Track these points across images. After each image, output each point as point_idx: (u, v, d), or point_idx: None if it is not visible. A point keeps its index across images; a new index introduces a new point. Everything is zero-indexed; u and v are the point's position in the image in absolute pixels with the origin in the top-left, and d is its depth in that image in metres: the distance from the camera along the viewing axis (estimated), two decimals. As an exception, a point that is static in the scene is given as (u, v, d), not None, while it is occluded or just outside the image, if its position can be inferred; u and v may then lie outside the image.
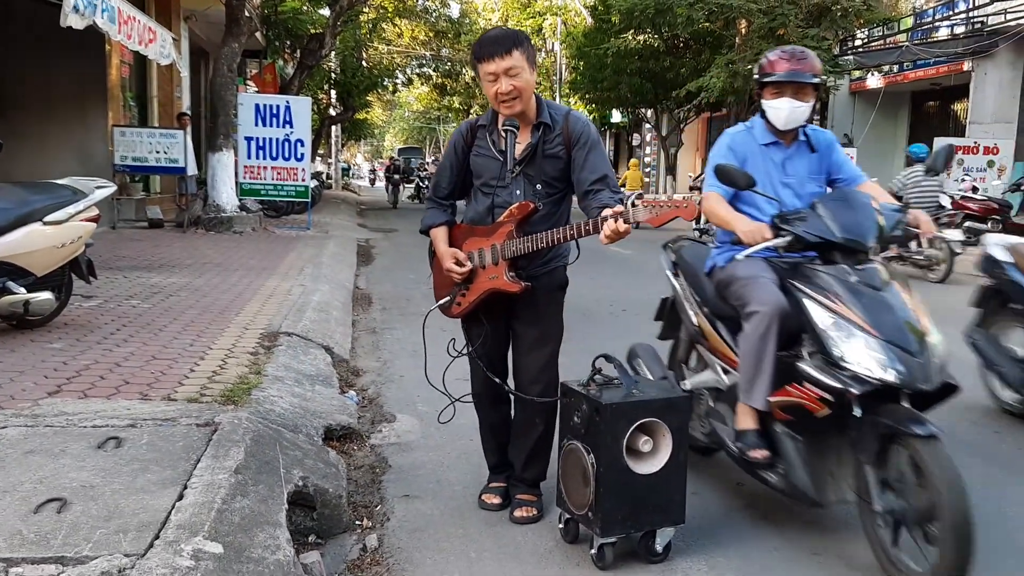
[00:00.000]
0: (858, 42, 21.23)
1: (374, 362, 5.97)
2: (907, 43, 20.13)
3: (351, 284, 9.42)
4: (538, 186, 3.17)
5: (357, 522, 3.36)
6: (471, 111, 50.74)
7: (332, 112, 34.92)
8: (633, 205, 2.69)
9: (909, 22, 20.81)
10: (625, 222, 2.71)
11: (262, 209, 15.40)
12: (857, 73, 21.76)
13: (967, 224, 14.16)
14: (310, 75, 23.29)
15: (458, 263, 3.21)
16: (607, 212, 2.74)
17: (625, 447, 2.85)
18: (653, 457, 2.91)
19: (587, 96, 29.72)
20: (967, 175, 17.09)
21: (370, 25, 29.84)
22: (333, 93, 34.02)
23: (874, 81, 21.89)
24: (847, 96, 23.26)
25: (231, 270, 8.84)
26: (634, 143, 36.60)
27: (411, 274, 10.76)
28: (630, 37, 23.36)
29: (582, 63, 28.85)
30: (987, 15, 18.48)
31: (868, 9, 19.34)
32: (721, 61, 20.49)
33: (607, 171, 3.12)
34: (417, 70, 43.56)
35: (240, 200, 14.05)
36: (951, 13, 19.44)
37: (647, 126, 35.72)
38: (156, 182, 15.73)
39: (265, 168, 14.11)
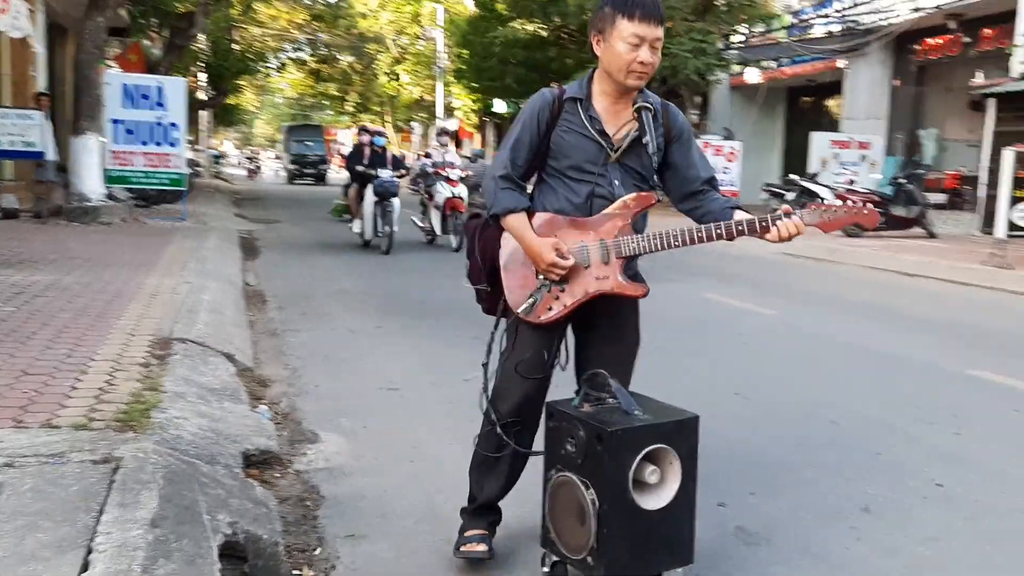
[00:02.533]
0: (739, 38, 21.65)
1: (281, 370, 5.35)
2: (786, 40, 20.66)
3: (240, 280, 8.66)
4: (634, 179, 2.68)
5: (295, 572, 2.82)
6: (347, 98, 49.46)
7: (202, 96, 33.13)
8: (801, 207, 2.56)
9: (787, 20, 21.36)
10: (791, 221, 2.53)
11: (132, 198, 14.22)
12: (736, 68, 22.19)
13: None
14: (179, 56, 21.88)
15: (561, 256, 2.61)
16: (782, 209, 2.56)
17: (632, 479, 2.43)
18: (661, 489, 2.51)
19: (472, 85, 29.33)
20: (844, 168, 17.65)
21: (243, 6, 28.35)
22: (203, 76, 32.27)
23: (752, 76, 22.38)
24: (727, 90, 23.72)
25: (104, 266, 7.92)
26: (450, 136, 36.46)
27: (305, 268, 10.07)
28: (518, 26, 23.07)
29: (466, 51, 28.40)
30: (860, 15, 19.14)
31: (751, 5, 19.71)
32: (607, 52, 20.50)
33: (713, 171, 2.79)
34: (292, 55, 41.98)
35: (107, 188, 12.89)
36: (826, 12, 20.05)
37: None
38: (9, 168, 14.25)
39: (135, 154, 12.98)
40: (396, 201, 11.90)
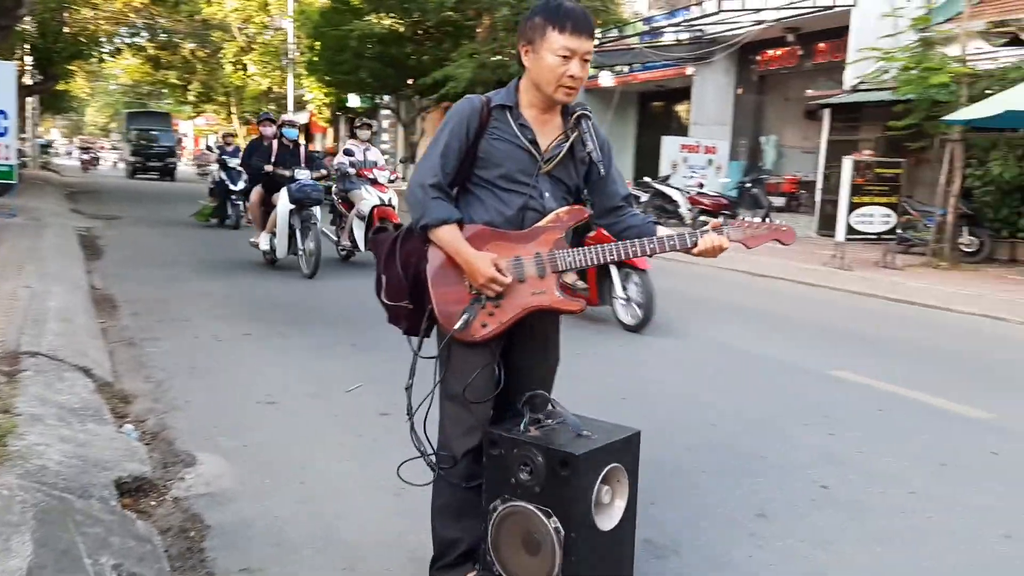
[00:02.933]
0: (595, 42, 22.12)
1: (144, 384, 4.97)
2: (638, 46, 21.28)
3: (86, 283, 8.02)
4: (563, 192, 2.60)
5: (189, 614, 2.59)
6: (189, 87, 47.14)
7: (28, 81, 30.70)
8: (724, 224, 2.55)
9: (640, 26, 22.01)
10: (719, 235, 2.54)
11: (-49, 192, 12.95)
12: (591, 72, 22.66)
13: (700, 219, 15.18)
14: (4, 38, 20.15)
15: (499, 271, 2.49)
16: (710, 225, 2.54)
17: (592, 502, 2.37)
18: (611, 508, 2.46)
19: (325, 79, 28.59)
20: (693, 172, 18.36)
21: (75, -15, 26.46)
22: (29, 59, 29.92)
23: (606, 80, 22.94)
24: (582, 93, 24.16)
25: (-74, 269, 7.16)
26: (372, 128, 35.84)
27: (156, 269, 9.46)
28: (374, 20, 22.67)
29: (319, 43, 27.61)
30: (706, 25, 19.97)
31: (605, 11, 20.15)
32: (465, 51, 20.47)
33: (628, 189, 2.78)
34: (128, 40, 39.62)
35: (-77, 181, 11.68)
36: (677, 20, 20.80)
37: (385, 112, 35.15)
38: None
39: (-44, 143, 11.79)
40: (318, 210, 9.76)
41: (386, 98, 30.28)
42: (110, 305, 7.24)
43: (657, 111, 24.74)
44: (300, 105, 39.09)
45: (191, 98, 46.15)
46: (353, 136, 11.41)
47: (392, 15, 22.96)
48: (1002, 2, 14.05)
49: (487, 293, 2.48)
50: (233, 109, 45.73)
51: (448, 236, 2.48)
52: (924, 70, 11.59)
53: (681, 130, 21.75)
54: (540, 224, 2.52)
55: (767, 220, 2.47)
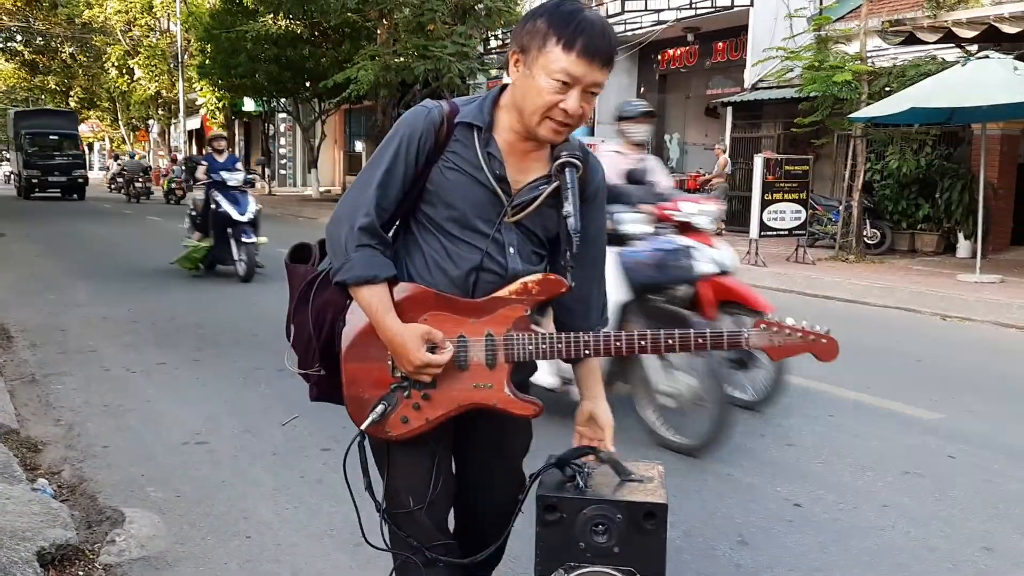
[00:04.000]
0: (496, 42, 21.98)
1: (54, 427, 4.51)
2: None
3: (-28, 312, 7.37)
4: (533, 247, 2.00)
5: None
6: (70, 93, 44.89)
7: None
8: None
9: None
10: (735, 344, 1.97)
11: None
12: (494, 72, 22.54)
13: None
14: None
15: (431, 350, 1.88)
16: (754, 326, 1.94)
17: None
18: None
19: (219, 82, 27.62)
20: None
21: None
22: None
23: (509, 80, 22.83)
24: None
25: None
26: (268, 133, 34.83)
27: (51, 293, 8.79)
28: (270, 21, 21.98)
29: (210, 46, 26.64)
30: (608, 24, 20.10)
31: (508, 11, 20.05)
32: (365, 53, 20.06)
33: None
34: (1, 44, 37.50)
35: None
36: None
37: (281, 116, 34.25)
38: None
39: None
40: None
41: (283, 101, 29.51)
42: (3, 336, 6.64)
43: (562, 110, 24.79)
44: (192, 110, 37.72)
45: (73, 104, 43.95)
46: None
47: (290, 16, 22.31)
48: (895, 1, 14.57)
49: (420, 377, 1.89)
50: (119, 115, 43.80)
51: (372, 300, 1.86)
52: (829, 68, 11.87)
53: (588, 128, 21.86)
54: (499, 294, 1.91)
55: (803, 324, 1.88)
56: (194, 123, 40.73)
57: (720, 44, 18.78)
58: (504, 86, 1.94)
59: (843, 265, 11.75)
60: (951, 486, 3.92)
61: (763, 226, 11.66)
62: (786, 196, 11.81)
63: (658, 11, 18.08)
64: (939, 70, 11.22)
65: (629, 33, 19.52)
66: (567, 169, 1.89)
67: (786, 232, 11.93)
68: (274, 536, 3.31)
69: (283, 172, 37.69)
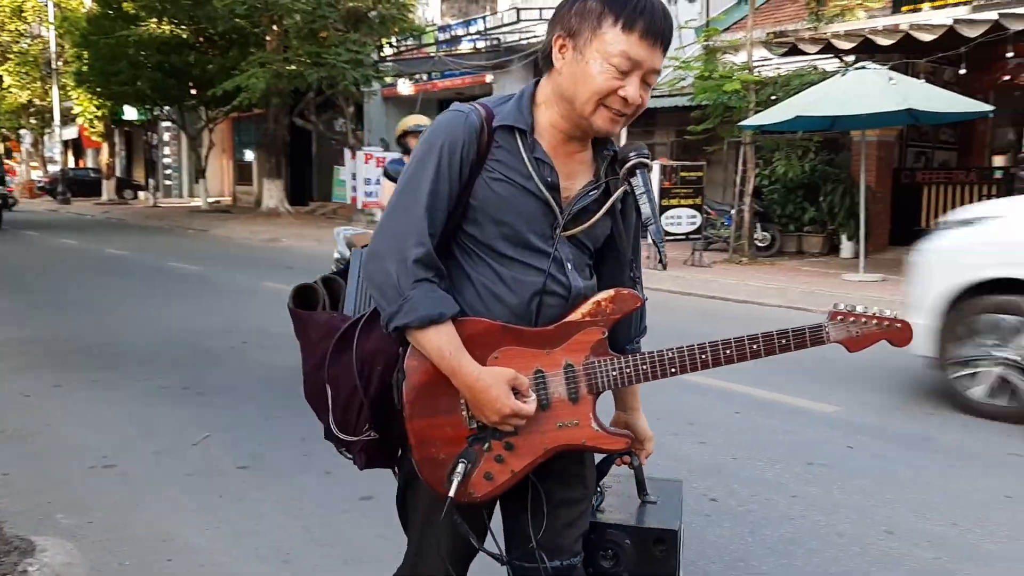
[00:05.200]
0: (391, 50, 21.91)
1: (-56, 456, 4.26)
2: (437, 54, 21.29)
3: None
4: (586, 259, 1.80)
5: None
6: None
7: None
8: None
9: (436, 34, 22.04)
10: (817, 341, 1.77)
11: None
12: (388, 79, 22.45)
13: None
14: None
15: (517, 396, 1.65)
16: (827, 320, 1.75)
17: None
18: None
19: (98, 90, 26.50)
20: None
21: None
22: None
23: (404, 88, 22.82)
24: (380, 101, 23.90)
25: None
26: (152, 142, 33.61)
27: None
28: (153, 26, 21.25)
29: (87, 53, 25.54)
30: (502, 34, 20.31)
31: (402, 18, 20.02)
32: (254, 60, 19.66)
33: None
34: None
35: None
36: (476, 29, 20.99)
37: (165, 124, 33.16)
38: None
39: None
40: None
41: (167, 109, 28.57)
42: None
43: (457, 119, 24.86)
44: (68, 119, 36.06)
45: (-65, 112, 41.33)
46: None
47: (174, 22, 21.63)
48: (778, 13, 15.26)
49: (503, 429, 1.66)
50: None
51: (442, 342, 1.60)
52: (719, 78, 12.33)
53: (483, 137, 21.99)
54: (571, 318, 1.69)
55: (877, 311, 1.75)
56: (71, 133, 38.93)
57: (612, 53, 19.23)
58: (537, 81, 1.74)
59: (737, 267, 12.20)
60: (852, 475, 4.14)
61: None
62: (682, 201, 12.21)
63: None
64: (820, 80, 11.81)
65: (524, 42, 19.78)
66: (639, 171, 1.69)
67: (683, 236, 12.33)
68: (197, 558, 3.22)
69: (168, 183, 36.43)
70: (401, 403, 1.67)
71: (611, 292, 1.71)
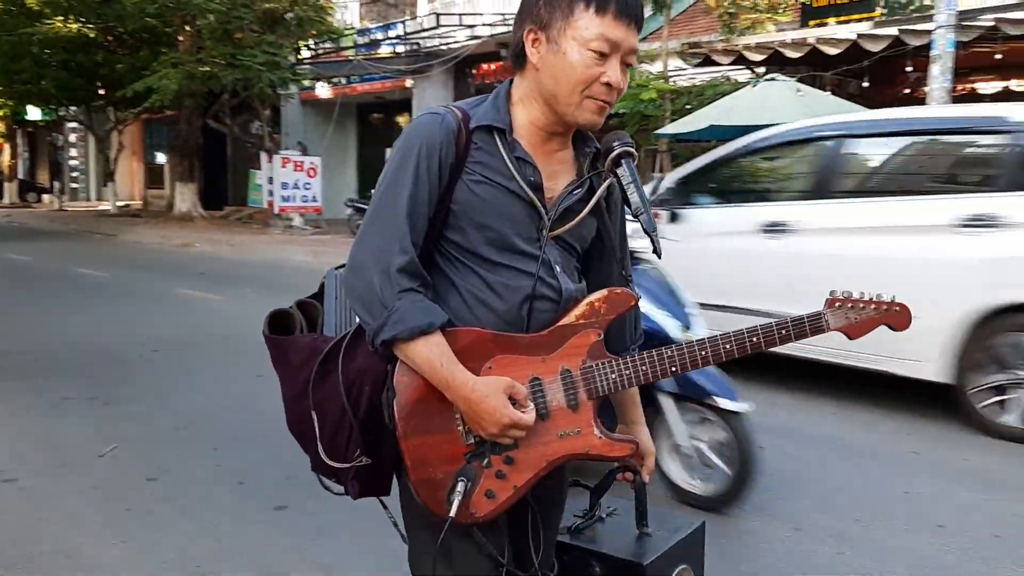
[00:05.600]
0: (309, 53, 21.62)
1: None
2: (356, 58, 21.11)
3: None
4: (574, 261, 1.73)
5: None
6: None
7: None
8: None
9: (355, 38, 21.85)
10: (817, 330, 1.66)
11: None
12: (306, 82, 22.17)
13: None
14: None
15: (515, 406, 1.55)
16: (828, 309, 1.65)
17: None
18: None
19: (-1, 89, 25.41)
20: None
21: None
22: None
23: (323, 91, 22.57)
24: (298, 105, 23.58)
25: None
26: (57, 143, 32.39)
27: None
28: (59, 24, 20.47)
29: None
30: (423, 39, 20.28)
31: (319, 21, 19.76)
32: (166, 61, 19.13)
33: None
34: None
35: None
36: (395, 34, 20.90)
37: (72, 125, 32.00)
38: None
39: None
40: None
41: (73, 110, 27.56)
42: None
43: (378, 123, 24.70)
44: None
45: None
46: None
47: (81, 20, 20.88)
48: (692, 25, 15.63)
49: (503, 442, 1.56)
50: None
51: (433, 354, 1.52)
52: (636, 87, 12.56)
53: (403, 142, 21.90)
54: (565, 321, 1.62)
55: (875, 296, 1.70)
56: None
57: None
58: (509, 83, 1.66)
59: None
60: (761, 473, 4.26)
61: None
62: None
63: (471, 26, 18.44)
64: (733, 90, 12.14)
65: (444, 47, 19.78)
66: (624, 160, 1.61)
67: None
68: (104, 573, 3.12)
69: (75, 186, 35.12)
70: (393, 422, 1.56)
71: (604, 292, 1.64)
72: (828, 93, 11.61)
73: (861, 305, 1.65)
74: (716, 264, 5.83)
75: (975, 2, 11.21)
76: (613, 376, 1.61)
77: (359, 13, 23.71)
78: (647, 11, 15.03)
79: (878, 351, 5.08)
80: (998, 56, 12.11)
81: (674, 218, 5.98)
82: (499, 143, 1.60)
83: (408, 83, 21.00)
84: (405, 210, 1.55)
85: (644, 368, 1.62)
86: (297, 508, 3.67)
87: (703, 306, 4.67)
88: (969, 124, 5.51)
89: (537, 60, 1.57)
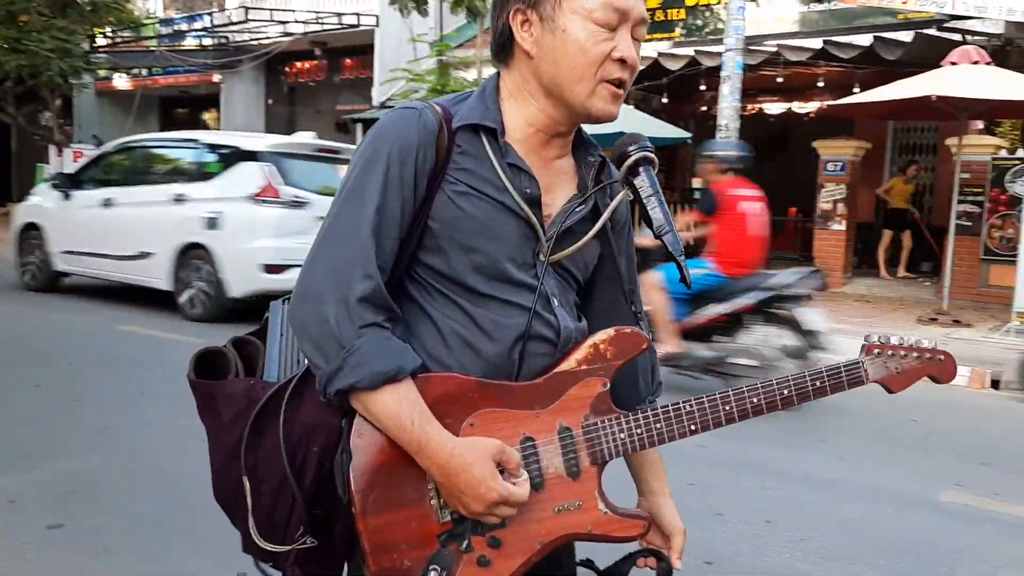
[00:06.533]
0: (105, 41, 20.28)
1: None
2: (158, 49, 20.02)
3: None
4: (573, 293, 1.44)
5: None
6: None
7: None
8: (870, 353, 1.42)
9: (157, 28, 20.72)
10: (856, 382, 1.40)
11: None
12: (103, 73, 20.80)
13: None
14: None
15: (505, 476, 1.25)
16: (865, 356, 1.40)
17: None
18: None
19: None
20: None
21: None
22: None
23: (121, 82, 21.25)
24: (93, 96, 22.07)
25: None
26: None
27: None
28: None
29: None
30: (231, 32, 19.53)
31: (117, 8, 18.56)
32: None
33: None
34: None
35: None
36: (201, 26, 19.99)
37: None
38: None
39: None
40: None
41: None
42: None
43: (182, 118, 23.53)
44: None
45: None
46: None
47: None
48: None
49: (489, 521, 1.25)
50: None
51: (402, 408, 1.21)
52: (450, 92, 12.69)
53: (210, 139, 21.02)
54: (563, 367, 1.33)
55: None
56: None
57: (348, 60, 19.13)
58: (496, 76, 1.40)
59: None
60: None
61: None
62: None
63: (284, 23, 17.95)
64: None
65: (254, 42, 19.14)
66: (643, 168, 1.32)
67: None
68: None
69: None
70: (348, 495, 1.24)
71: (610, 332, 1.35)
72: (632, 107, 12.20)
73: (903, 353, 1.42)
74: (86, 225, 9.18)
75: (762, 29, 12.15)
76: (622, 436, 1.32)
77: (163, 2, 22.50)
78: (461, 19, 15.27)
79: (141, 273, 8.70)
80: (780, 80, 13.21)
81: (66, 196, 9.44)
82: (488, 147, 1.32)
83: (215, 78, 20.15)
84: (371, 226, 1.25)
85: (659, 426, 1.34)
86: (72, 527, 3.43)
87: (79, 254, 9.23)
88: (178, 142, 9.53)
89: (530, 45, 1.31)
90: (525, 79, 1.34)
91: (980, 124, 11.32)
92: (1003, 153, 11.04)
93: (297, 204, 8.02)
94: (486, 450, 1.22)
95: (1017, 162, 10.66)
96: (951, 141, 10.54)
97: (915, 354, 1.41)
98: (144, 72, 21.02)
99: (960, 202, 10.17)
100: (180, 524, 3.44)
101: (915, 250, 12.71)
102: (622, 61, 1.28)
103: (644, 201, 1.31)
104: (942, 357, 1.43)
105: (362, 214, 1.25)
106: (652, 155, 1.32)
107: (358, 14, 17.20)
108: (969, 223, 10.81)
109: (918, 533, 3.90)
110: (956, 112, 9.49)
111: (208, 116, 22.44)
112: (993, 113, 10.32)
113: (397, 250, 1.28)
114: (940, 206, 11.41)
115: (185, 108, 23.30)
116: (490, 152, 1.31)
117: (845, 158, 12.07)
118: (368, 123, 17.27)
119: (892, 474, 4.61)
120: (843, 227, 12.13)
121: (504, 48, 1.35)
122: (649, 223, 1.30)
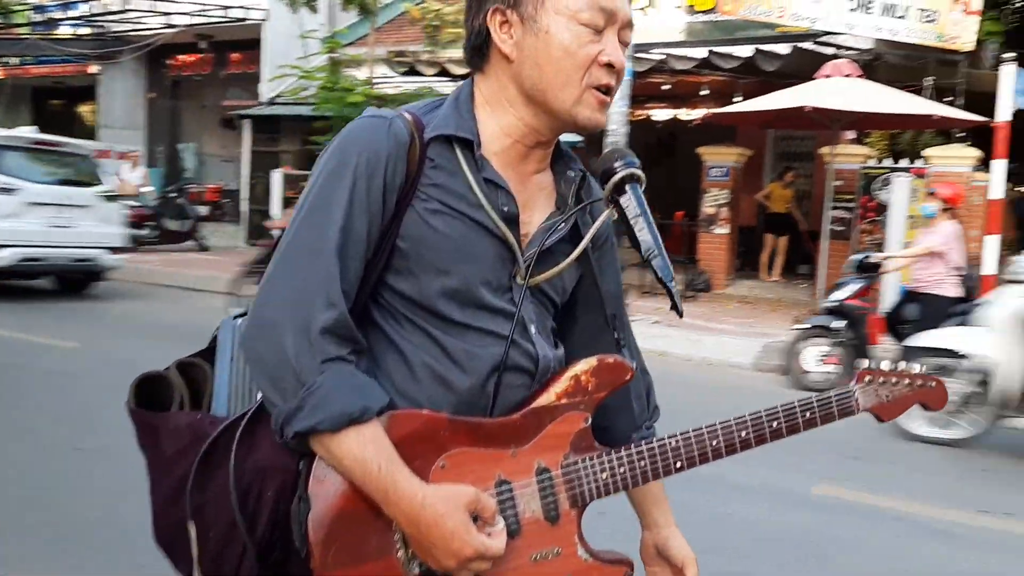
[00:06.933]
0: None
1: None
2: (30, 36, 19.01)
3: None
4: (551, 319, 1.34)
5: None
6: None
7: None
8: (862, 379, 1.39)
9: (29, 15, 19.67)
10: (846, 412, 1.36)
11: None
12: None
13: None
14: None
15: (479, 525, 1.13)
16: (857, 385, 1.36)
17: None
18: None
19: None
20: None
21: None
22: None
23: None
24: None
25: None
26: None
27: None
28: None
29: None
30: (110, 22, 18.73)
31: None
32: None
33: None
34: None
35: None
36: (77, 14, 19.09)
37: None
38: None
39: None
40: None
41: None
42: None
43: (56, 109, 22.44)
44: None
45: None
46: None
47: None
48: (400, 34, 15.84)
49: (469, 568, 1.14)
50: None
51: (367, 452, 1.10)
52: (342, 90, 12.51)
53: (87, 133, 20.04)
54: (541, 402, 1.23)
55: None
56: None
57: (235, 55, 18.63)
58: (471, 83, 1.29)
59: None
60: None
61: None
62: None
63: (166, 14, 17.32)
64: (437, 101, 12.50)
65: (135, 33, 18.40)
66: (629, 186, 1.22)
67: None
68: None
69: None
70: (306, 546, 1.12)
71: (592, 361, 1.25)
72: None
73: (894, 379, 1.38)
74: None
75: (650, 37, 12.47)
76: (604, 476, 1.24)
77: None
78: (352, 17, 15.10)
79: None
80: (666, 87, 13.58)
81: None
82: (462, 160, 1.22)
83: (92, 69, 19.28)
84: (335, 246, 1.13)
85: (643, 464, 1.26)
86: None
87: None
88: None
89: (510, 48, 1.21)
90: (503, 85, 1.24)
91: (851, 134, 11.95)
92: (872, 162, 11.69)
93: (5, 190, 9.12)
94: (459, 500, 1.11)
95: (885, 171, 11.30)
96: (824, 150, 11.10)
97: (906, 380, 1.38)
98: (15, 61, 19.90)
99: (833, 208, 10.73)
100: None
101: (793, 253, 13.29)
102: (610, 66, 1.21)
103: (631, 222, 1.21)
104: (933, 384, 1.40)
105: (325, 233, 1.14)
106: (639, 172, 1.22)
107: (245, 7, 16.77)
108: (841, 228, 11.37)
109: (793, 526, 4.10)
110: (830, 123, 9.99)
111: (85, 109, 21.44)
112: (863, 124, 10.91)
113: (362, 272, 1.17)
114: (816, 212, 11.98)
115: (60, 100, 22.20)
116: (464, 166, 1.21)
117: (728, 164, 12.53)
118: (256, 120, 16.89)
119: (768, 471, 4.83)
120: (727, 231, 12.59)
121: (480, 52, 1.25)
122: (636, 246, 1.21)
